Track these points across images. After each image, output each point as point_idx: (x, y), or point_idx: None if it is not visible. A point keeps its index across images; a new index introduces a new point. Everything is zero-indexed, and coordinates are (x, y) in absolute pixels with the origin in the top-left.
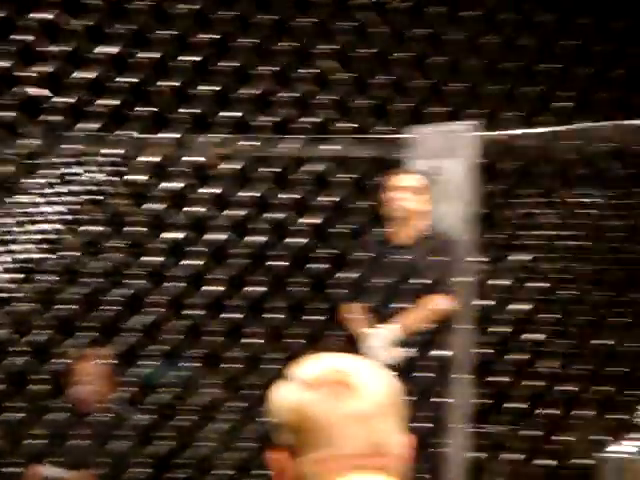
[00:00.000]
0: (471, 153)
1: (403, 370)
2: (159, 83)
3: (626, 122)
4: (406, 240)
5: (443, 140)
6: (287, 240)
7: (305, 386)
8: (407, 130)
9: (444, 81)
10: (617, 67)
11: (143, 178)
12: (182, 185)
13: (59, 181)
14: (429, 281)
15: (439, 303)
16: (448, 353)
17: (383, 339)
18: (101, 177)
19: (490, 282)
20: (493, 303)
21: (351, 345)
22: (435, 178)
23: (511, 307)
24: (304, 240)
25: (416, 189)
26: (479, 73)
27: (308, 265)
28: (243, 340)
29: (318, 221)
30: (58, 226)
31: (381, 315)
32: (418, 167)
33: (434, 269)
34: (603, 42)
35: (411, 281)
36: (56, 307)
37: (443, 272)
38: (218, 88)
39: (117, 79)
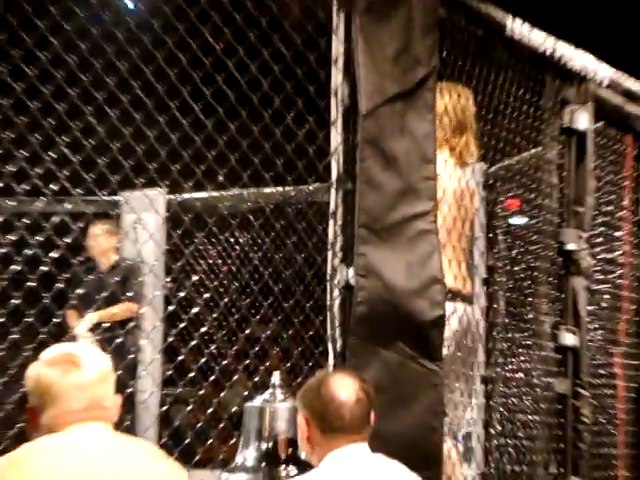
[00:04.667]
0: (160, 209)
1: (110, 350)
2: None
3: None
4: (106, 266)
5: (143, 201)
6: None
7: (44, 364)
8: (119, 193)
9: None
10: None
11: None
12: None
13: None
14: (119, 293)
15: (124, 306)
16: (139, 338)
17: (84, 327)
18: None
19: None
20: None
21: (73, 337)
22: (136, 226)
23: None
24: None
25: (106, 233)
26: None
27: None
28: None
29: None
30: None
31: (85, 314)
32: (128, 218)
33: (124, 285)
34: None
35: (105, 293)
36: None
37: (132, 287)
38: None
39: None
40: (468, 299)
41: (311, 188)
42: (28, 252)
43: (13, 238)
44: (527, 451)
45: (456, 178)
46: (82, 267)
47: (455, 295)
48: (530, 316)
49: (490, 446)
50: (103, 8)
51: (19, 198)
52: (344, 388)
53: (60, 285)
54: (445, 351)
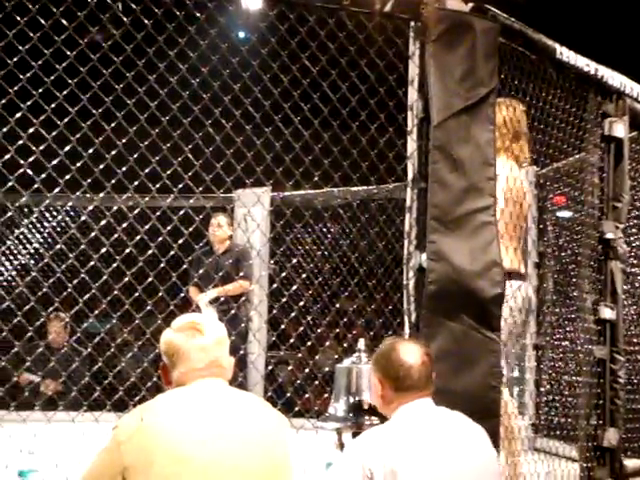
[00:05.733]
0: (266, 204)
1: (225, 320)
2: None
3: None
4: (221, 250)
5: (252, 197)
6: None
7: (173, 330)
8: (234, 191)
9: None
10: None
11: None
12: None
13: None
14: (232, 272)
15: (237, 284)
16: (249, 310)
17: (205, 300)
18: None
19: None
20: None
21: (196, 308)
22: (246, 218)
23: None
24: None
25: (225, 223)
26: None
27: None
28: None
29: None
30: None
31: (205, 290)
32: (240, 212)
33: (237, 266)
34: None
35: (221, 273)
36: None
37: (243, 268)
38: None
39: None
40: (522, 277)
41: (390, 187)
42: (160, 239)
43: (147, 227)
44: (571, 406)
45: (513, 179)
46: (202, 251)
47: (511, 274)
48: (574, 294)
49: (540, 402)
50: (222, 37)
51: (152, 195)
52: (411, 353)
53: (185, 266)
54: (503, 322)
